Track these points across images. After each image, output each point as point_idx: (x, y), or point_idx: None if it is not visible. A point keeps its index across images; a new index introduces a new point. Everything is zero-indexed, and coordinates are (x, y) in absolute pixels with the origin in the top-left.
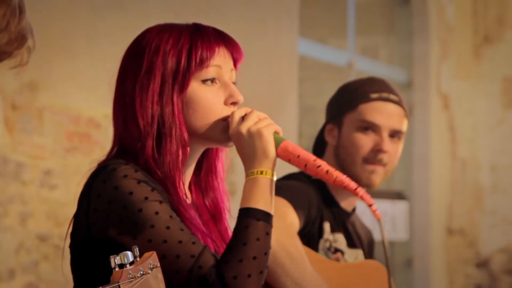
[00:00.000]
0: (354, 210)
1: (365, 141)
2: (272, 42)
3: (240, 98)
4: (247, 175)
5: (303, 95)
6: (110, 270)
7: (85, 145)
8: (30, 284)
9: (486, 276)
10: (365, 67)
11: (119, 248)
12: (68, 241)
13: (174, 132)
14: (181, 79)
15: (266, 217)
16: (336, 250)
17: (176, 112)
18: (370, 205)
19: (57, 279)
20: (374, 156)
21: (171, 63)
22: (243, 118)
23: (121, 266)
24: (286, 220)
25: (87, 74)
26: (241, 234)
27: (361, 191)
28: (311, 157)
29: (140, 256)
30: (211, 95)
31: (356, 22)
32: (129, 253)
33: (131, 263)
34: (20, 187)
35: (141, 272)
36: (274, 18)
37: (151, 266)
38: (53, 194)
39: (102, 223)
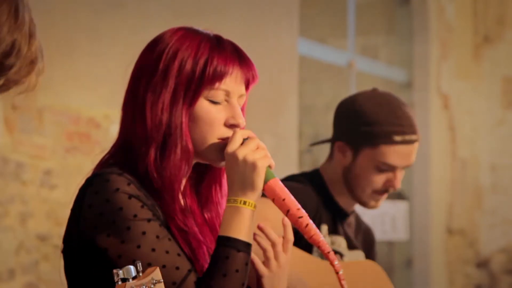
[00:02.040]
0: (353, 211)
1: (379, 178)
2: (272, 42)
3: (241, 121)
4: (229, 201)
5: (303, 95)
6: (101, 277)
7: (85, 145)
8: (30, 284)
9: (486, 276)
10: (365, 67)
11: (106, 260)
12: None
13: (179, 143)
14: (192, 91)
15: (246, 247)
16: (336, 253)
17: (184, 123)
18: (337, 273)
19: (57, 279)
20: (385, 189)
21: (186, 72)
22: (243, 141)
23: (124, 280)
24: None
25: (87, 74)
26: (221, 264)
27: (333, 256)
28: (295, 205)
29: (143, 271)
30: (213, 112)
31: (356, 22)
32: (131, 267)
33: (134, 278)
34: (20, 187)
35: (144, 287)
36: (274, 18)
37: (154, 281)
38: (53, 194)
39: (91, 233)
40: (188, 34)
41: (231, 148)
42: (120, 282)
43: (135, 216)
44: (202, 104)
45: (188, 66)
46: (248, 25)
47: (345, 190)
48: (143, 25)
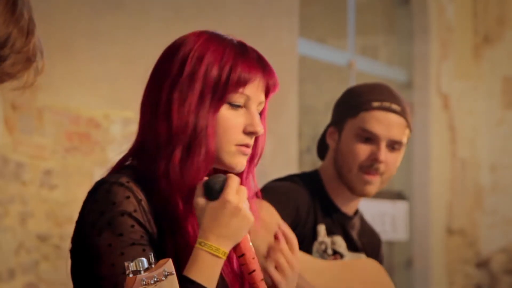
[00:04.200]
0: (356, 213)
1: (362, 150)
2: (272, 42)
3: (259, 129)
4: (207, 246)
5: (303, 95)
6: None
7: (85, 145)
8: (30, 284)
9: (486, 276)
10: (365, 67)
11: (89, 266)
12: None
13: (204, 146)
14: (218, 96)
15: None
16: (335, 252)
17: (210, 127)
18: None
19: (57, 279)
20: (370, 165)
21: (212, 76)
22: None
23: (135, 272)
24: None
25: (87, 74)
26: None
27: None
28: (252, 267)
29: (156, 262)
30: (233, 118)
31: (356, 22)
32: (144, 259)
33: (146, 270)
34: (20, 187)
35: (155, 279)
36: (274, 18)
37: (166, 273)
38: (53, 194)
39: (84, 236)
40: (213, 39)
41: (230, 194)
42: (131, 275)
43: (120, 235)
44: (223, 109)
45: (214, 71)
46: (248, 25)
47: (342, 187)
48: (143, 25)
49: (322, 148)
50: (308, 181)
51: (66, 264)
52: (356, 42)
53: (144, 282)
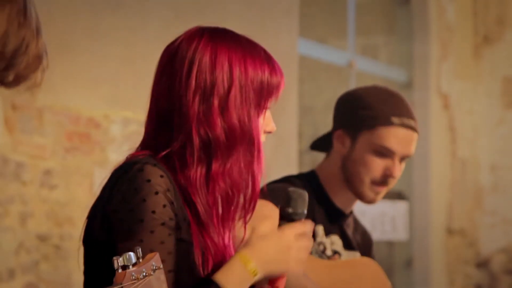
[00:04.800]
0: (351, 212)
1: (377, 164)
2: (272, 42)
3: (274, 127)
4: (247, 259)
5: (303, 95)
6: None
7: (85, 145)
8: (30, 284)
9: (486, 276)
10: (365, 67)
11: (110, 240)
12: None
13: (260, 149)
14: (264, 99)
15: None
16: (335, 252)
17: (259, 130)
18: None
19: (57, 279)
20: (383, 179)
21: (255, 82)
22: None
23: (124, 267)
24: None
25: (87, 74)
26: None
27: None
28: None
29: (143, 257)
30: (259, 121)
31: (356, 22)
32: (132, 254)
33: (134, 265)
34: (20, 187)
35: (144, 274)
36: (274, 18)
37: (154, 267)
38: (53, 194)
39: (112, 214)
40: (237, 43)
41: (293, 231)
42: (120, 270)
43: (153, 212)
44: None
45: (255, 77)
46: (248, 24)
47: (343, 187)
48: (143, 25)
49: (322, 144)
50: (306, 182)
51: (66, 264)
52: (356, 42)
53: (133, 277)
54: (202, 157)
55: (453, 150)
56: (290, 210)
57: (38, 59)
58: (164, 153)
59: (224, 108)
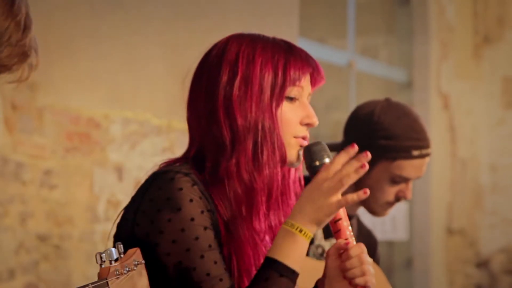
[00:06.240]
0: (354, 214)
1: (393, 190)
2: None
3: (315, 120)
4: (287, 223)
5: None
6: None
7: (85, 145)
8: (30, 284)
9: (486, 276)
10: (365, 67)
11: (153, 256)
12: (114, 230)
13: (275, 141)
14: (278, 92)
15: (291, 274)
16: None
17: (276, 121)
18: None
19: (57, 279)
20: (396, 200)
21: (268, 75)
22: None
23: (107, 263)
24: None
25: (87, 74)
26: (259, 284)
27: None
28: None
29: (124, 252)
30: (290, 112)
31: (356, 22)
32: (113, 250)
33: (116, 260)
34: (20, 187)
35: (127, 269)
36: (274, 18)
37: (136, 262)
38: (53, 194)
39: (146, 227)
40: (257, 39)
41: (321, 177)
42: (103, 266)
43: (192, 219)
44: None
45: (269, 68)
46: (248, 25)
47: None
48: (143, 25)
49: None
50: (306, 183)
51: (66, 264)
52: (356, 42)
53: (117, 272)
54: (228, 154)
55: (453, 150)
56: (316, 163)
57: (23, 54)
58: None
59: (228, 100)
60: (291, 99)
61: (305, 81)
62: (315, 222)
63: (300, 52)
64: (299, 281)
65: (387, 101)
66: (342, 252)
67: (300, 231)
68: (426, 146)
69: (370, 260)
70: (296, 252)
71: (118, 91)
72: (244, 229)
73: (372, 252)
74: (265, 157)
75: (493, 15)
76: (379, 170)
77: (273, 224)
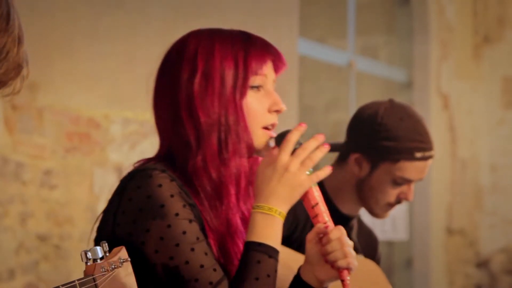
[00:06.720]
0: (355, 216)
1: (395, 191)
2: (272, 42)
3: (283, 106)
4: (262, 208)
5: (303, 95)
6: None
7: (85, 145)
8: (30, 284)
9: (486, 276)
10: (365, 67)
11: (140, 256)
12: (94, 234)
13: (240, 133)
14: (241, 83)
15: (276, 254)
16: None
17: (240, 114)
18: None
19: (57, 279)
20: (397, 202)
21: (228, 67)
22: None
23: (93, 260)
24: None
25: (87, 74)
26: (252, 268)
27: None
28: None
29: (109, 251)
30: (256, 102)
31: (356, 22)
32: (98, 248)
33: (101, 259)
34: (20, 187)
35: (113, 266)
36: (274, 18)
37: (122, 260)
38: (53, 194)
39: (128, 227)
40: (215, 33)
41: (283, 158)
42: (89, 263)
43: (176, 214)
44: (247, 94)
45: (230, 60)
46: (248, 25)
47: (352, 199)
48: (143, 25)
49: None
50: None
51: (66, 264)
52: (356, 42)
53: (103, 270)
54: (194, 151)
55: (453, 150)
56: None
57: (18, 67)
58: (160, 155)
59: (190, 98)
60: (256, 88)
61: (268, 68)
62: (289, 202)
63: (260, 41)
64: (283, 275)
65: (391, 102)
66: (322, 236)
67: (279, 214)
68: (429, 148)
69: (350, 242)
70: (278, 233)
71: (118, 91)
72: (220, 221)
73: (373, 252)
74: (230, 150)
75: (493, 15)
76: (381, 171)
77: (246, 213)
